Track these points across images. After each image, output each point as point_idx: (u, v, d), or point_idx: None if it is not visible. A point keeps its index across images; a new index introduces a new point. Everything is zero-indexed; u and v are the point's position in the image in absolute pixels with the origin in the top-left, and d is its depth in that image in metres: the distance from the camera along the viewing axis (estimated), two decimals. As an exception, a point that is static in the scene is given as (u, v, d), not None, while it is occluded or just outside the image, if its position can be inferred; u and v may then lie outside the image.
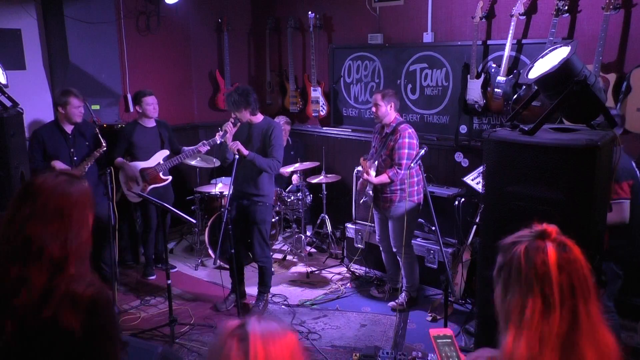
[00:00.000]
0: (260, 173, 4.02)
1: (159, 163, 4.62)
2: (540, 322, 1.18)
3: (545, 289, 1.18)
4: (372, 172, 4.07)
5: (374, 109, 4.11)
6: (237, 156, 3.90)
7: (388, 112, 4.07)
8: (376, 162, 4.11)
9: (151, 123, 4.66)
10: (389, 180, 4.01)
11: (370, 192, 4.17)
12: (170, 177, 4.71)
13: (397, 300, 4.27)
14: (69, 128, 4.20)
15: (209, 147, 4.56)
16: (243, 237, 4.22)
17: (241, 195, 4.09)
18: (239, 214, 4.12)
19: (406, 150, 3.95)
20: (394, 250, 4.21)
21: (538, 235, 1.28)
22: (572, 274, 1.20)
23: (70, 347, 1.32)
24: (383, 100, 4.04)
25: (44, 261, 1.37)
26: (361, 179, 4.27)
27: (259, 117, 4.07)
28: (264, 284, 4.27)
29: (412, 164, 3.87)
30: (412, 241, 4.33)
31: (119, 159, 4.55)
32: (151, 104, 4.58)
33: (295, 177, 5.40)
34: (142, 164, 4.58)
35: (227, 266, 4.75)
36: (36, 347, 1.31)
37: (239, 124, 3.98)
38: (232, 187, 3.95)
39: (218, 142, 4.05)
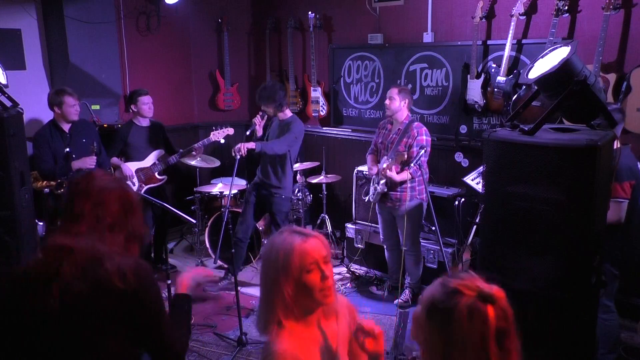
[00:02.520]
0: (279, 165, 4.33)
1: (154, 163, 4.62)
2: None
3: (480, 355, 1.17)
4: (393, 167, 4.03)
5: (387, 102, 4.10)
6: (238, 156, 4.06)
7: (401, 107, 4.07)
8: (393, 159, 4.09)
9: (146, 122, 4.66)
10: (409, 177, 4.00)
11: (383, 187, 4.12)
12: (165, 177, 4.71)
13: (401, 298, 4.29)
14: (66, 127, 4.19)
15: (203, 147, 4.63)
16: (248, 222, 4.53)
17: (262, 185, 4.47)
18: (257, 200, 4.50)
19: (419, 154, 3.94)
20: (405, 248, 4.20)
21: (483, 298, 1.19)
22: (506, 346, 1.19)
23: (122, 306, 1.46)
24: (399, 94, 4.05)
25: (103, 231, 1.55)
26: (374, 171, 4.21)
27: (287, 114, 4.36)
28: None
29: (412, 164, 3.87)
30: (412, 241, 4.33)
31: (115, 159, 4.55)
32: (146, 103, 4.58)
33: (298, 177, 5.40)
34: (137, 164, 4.58)
35: (227, 266, 4.76)
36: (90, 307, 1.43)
37: (266, 116, 4.32)
38: (256, 176, 4.51)
39: (247, 133, 4.35)
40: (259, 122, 4.35)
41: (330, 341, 1.61)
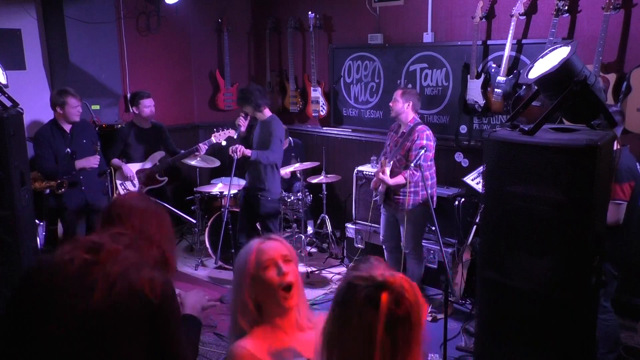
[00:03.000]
0: (263, 168, 4.27)
1: (155, 164, 4.62)
2: None
3: (370, 347, 1.14)
4: (387, 170, 4.03)
5: (391, 104, 4.08)
6: (235, 157, 4.08)
7: (405, 109, 4.02)
8: (391, 162, 4.07)
9: (147, 124, 4.66)
10: (404, 182, 3.96)
11: (382, 188, 4.12)
12: (166, 178, 4.71)
13: None
14: (67, 127, 4.19)
15: (207, 147, 4.60)
16: (246, 227, 4.50)
17: (249, 189, 4.41)
18: (246, 205, 4.46)
19: (425, 153, 3.92)
20: (406, 251, 4.16)
21: (377, 286, 1.16)
22: (398, 335, 1.14)
23: (146, 315, 1.49)
24: (402, 96, 4.02)
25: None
26: (375, 178, 4.23)
27: (266, 114, 4.32)
28: None
29: (412, 164, 3.86)
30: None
31: (116, 160, 4.55)
32: (148, 106, 4.57)
33: (297, 177, 5.41)
34: (138, 165, 4.58)
35: (228, 266, 4.76)
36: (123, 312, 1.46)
37: (249, 117, 4.34)
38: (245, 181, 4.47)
39: (235, 136, 4.39)
40: (243, 123, 4.38)
41: (303, 352, 1.57)
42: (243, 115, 4.36)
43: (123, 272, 1.48)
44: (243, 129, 4.41)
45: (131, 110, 4.65)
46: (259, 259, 1.54)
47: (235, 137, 4.43)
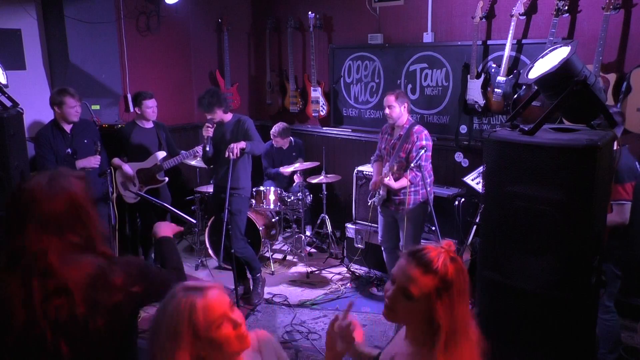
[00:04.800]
0: (238, 168, 4.20)
1: (155, 164, 4.62)
2: None
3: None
4: (390, 174, 4.03)
5: (387, 111, 4.01)
6: (232, 157, 4.00)
7: (402, 113, 4.01)
8: (393, 166, 4.06)
9: (149, 124, 4.66)
10: (408, 184, 3.96)
11: (383, 192, 4.13)
12: (166, 179, 4.71)
13: None
14: (67, 127, 4.19)
15: (208, 148, 4.59)
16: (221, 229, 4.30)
17: (220, 190, 4.25)
18: (218, 208, 4.30)
19: (425, 153, 3.92)
20: (404, 251, 4.16)
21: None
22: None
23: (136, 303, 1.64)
24: (397, 101, 3.97)
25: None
26: (373, 180, 4.23)
27: (229, 115, 4.26)
28: (252, 269, 4.42)
29: (412, 164, 3.87)
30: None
31: (116, 160, 4.55)
32: (151, 107, 4.57)
33: (297, 177, 5.40)
34: (139, 165, 4.57)
35: (228, 267, 4.76)
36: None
37: (215, 125, 4.17)
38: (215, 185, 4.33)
39: (207, 149, 4.22)
40: (211, 134, 4.18)
41: None
42: (209, 125, 4.15)
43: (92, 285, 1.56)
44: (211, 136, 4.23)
45: (134, 111, 4.65)
46: (207, 319, 1.33)
47: (208, 148, 4.22)
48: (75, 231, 1.56)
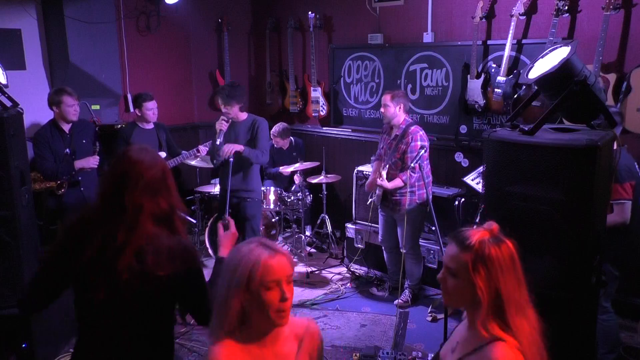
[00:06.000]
0: (248, 169, 4.11)
1: None
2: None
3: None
4: (384, 174, 4.05)
5: (382, 110, 4.06)
6: (232, 159, 3.94)
7: (397, 113, 4.04)
8: (387, 166, 4.07)
9: (149, 125, 4.66)
10: (402, 184, 3.98)
11: (379, 192, 4.14)
12: None
13: (401, 298, 4.29)
14: (66, 127, 4.18)
15: (207, 148, 4.58)
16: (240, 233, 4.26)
17: (233, 192, 4.11)
18: (230, 209, 4.11)
19: (419, 153, 3.92)
20: (404, 251, 4.18)
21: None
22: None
23: (168, 288, 1.80)
24: (392, 101, 4.00)
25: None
26: (369, 181, 4.24)
27: (245, 114, 4.17)
28: None
29: (411, 164, 3.87)
30: (412, 241, 4.33)
31: None
32: (151, 109, 4.57)
33: (297, 177, 5.40)
34: None
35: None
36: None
37: (230, 120, 4.06)
38: (220, 188, 4.19)
39: (217, 142, 4.08)
40: (225, 128, 4.06)
41: None
42: (225, 118, 4.02)
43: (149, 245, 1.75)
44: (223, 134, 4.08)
45: (135, 112, 4.65)
46: (263, 278, 1.42)
47: (218, 143, 4.08)
48: (164, 196, 1.81)
